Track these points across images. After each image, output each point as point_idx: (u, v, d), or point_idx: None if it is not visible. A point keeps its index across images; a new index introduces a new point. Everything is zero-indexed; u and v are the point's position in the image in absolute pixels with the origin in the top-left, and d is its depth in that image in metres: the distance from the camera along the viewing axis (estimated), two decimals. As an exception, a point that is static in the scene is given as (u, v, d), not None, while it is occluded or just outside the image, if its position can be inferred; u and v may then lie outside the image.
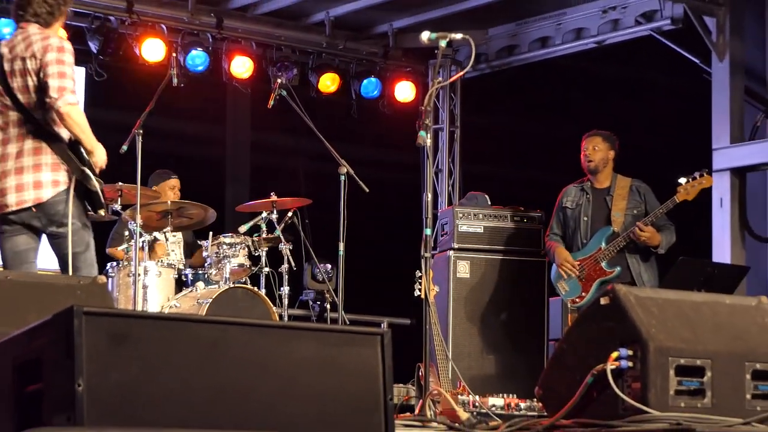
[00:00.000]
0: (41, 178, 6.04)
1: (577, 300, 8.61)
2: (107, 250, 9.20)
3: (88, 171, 6.05)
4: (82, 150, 6.06)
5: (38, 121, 6.05)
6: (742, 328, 5.02)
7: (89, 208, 6.20)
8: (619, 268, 8.44)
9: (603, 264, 8.47)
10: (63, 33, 6.29)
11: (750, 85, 10.17)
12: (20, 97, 6.07)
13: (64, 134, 6.07)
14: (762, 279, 9.98)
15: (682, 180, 8.36)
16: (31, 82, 6.05)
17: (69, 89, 5.98)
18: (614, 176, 8.69)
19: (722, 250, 9.78)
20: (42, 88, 6.02)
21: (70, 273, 6.09)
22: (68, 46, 6.14)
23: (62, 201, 6.04)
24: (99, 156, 6.12)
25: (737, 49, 10.02)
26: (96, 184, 6.08)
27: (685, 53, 10.40)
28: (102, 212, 6.32)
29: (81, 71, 11.02)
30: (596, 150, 8.65)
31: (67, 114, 5.95)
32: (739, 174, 9.87)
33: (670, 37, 10.50)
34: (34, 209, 6.07)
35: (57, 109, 5.95)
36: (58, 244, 6.12)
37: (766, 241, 10.15)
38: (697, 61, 10.31)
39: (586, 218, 8.62)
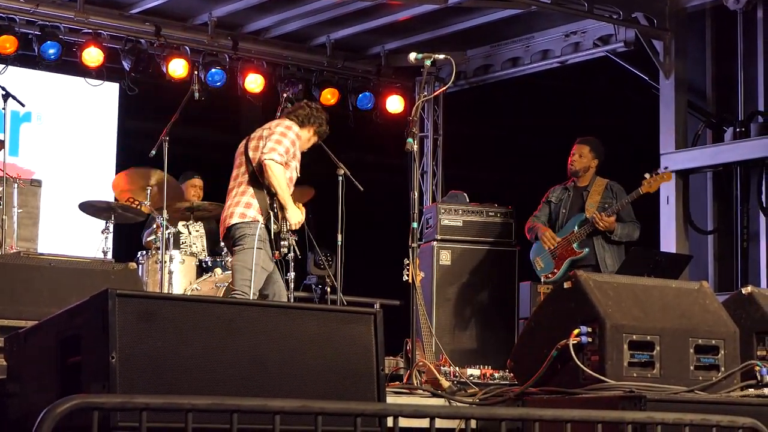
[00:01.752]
0: (235, 211, 6.82)
1: (549, 276, 8.58)
2: (143, 241, 9.18)
3: (272, 215, 6.72)
4: (276, 201, 6.75)
5: (254, 173, 6.82)
6: (686, 308, 5.01)
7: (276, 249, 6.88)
8: (587, 250, 8.42)
9: (574, 245, 8.46)
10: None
11: (692, 99, 10.15)
12: (251, 154, 6.87)
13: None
14: (703, 266, 9.96)
15: (647, 175, 8.34)
16: (261, 145, 6.81)
17: (278, 152, 6.73)
18: (594, 177, 8.64)
19: (669, 241, 9.77)
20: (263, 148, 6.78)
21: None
22: (296, 129, 6.96)
23: (242, 228, 6.75)
24: (291, 215, 6.80)
25: (681, 69, 10.01)
26: (273, 228, 6.75)
27: (637, 72, 10.39)
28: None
29: (115, 87, 11.00)
30: (581, 157, 8.61)
31: (269, 166, 6.69)
32: (683, 175, 9.85)
33: (624, 58, 10.49)
34: (225, 232, 6.86)
35: (262, 161, 6.72)
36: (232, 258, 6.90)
37: (706, 234, 10.14)
38: (646, 78, 10.30)
39: (564, 210, 8.62)
